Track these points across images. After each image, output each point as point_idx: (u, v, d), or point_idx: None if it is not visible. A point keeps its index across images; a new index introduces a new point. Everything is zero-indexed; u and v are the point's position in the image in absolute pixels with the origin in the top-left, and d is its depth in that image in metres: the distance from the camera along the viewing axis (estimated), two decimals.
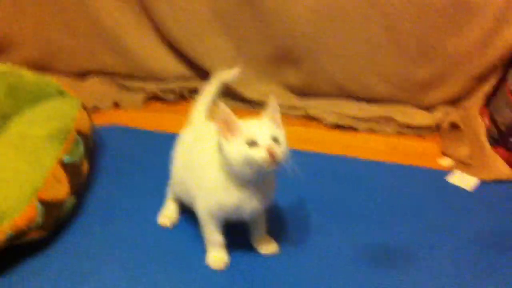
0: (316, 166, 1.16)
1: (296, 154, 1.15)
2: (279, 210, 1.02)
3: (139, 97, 1.42)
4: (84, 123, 1.10)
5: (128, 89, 1.44)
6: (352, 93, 1.41)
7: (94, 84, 1.41)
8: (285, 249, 0.93)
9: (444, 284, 0.87)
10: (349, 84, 1.39)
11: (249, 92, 1.42)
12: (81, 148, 1.04)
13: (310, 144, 1.27)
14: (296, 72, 1.41)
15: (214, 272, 0.89)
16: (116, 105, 1.39)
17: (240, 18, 1.35)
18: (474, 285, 0.87)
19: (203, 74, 1.44)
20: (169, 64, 1.44)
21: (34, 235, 0.89)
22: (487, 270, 0.90)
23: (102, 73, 1.45)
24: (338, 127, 1.36)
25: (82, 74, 1.42)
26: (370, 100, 1.40)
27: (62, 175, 0.96)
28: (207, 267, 0.89)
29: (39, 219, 0.89)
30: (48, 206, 0.91)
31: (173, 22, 1.37)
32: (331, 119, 1.36)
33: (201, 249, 0.91)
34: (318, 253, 0.93)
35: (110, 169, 1.13)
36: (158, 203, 1.02)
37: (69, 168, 0.98)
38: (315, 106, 1.40)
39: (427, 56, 1.31)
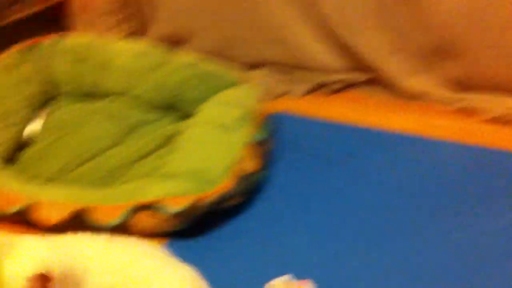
0: (479, 161, 1.19)
1: (454, 147, 1.23)
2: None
3: (303, 87, 1.51)
4: (266, 107, 1.22)
5: (293, 80, 1.54)
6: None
7: (263, 75, 1.52)
8: None
9: None
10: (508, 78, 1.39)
11: (408, 85, 1.46)
12: (265, 129, 1.17)
13: (469, 137, 1.28)
14: (454, 65, 1.43)
15: None
16: (284, 94, 1.50)
17: (399, 11, 1.40)
18: None
19: (364, 68, 1.50)
20: (332, 57, 1.52)
21: (232, 202, 1.03)
22: None
23: (270, 64, 1.55)
24: (497, 121, 1.36)
25: (253, 66, 1.53)
26: None
27: (252, 151, 1.09)
28: None
29: (236, 187, 1.02)
30: (244, 177, 1.04)
31: (338, 16, 1.45)
32: (492, 112, 1.37)
33: None
34: None
35: (285, 152, 1.23)
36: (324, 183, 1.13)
37: (258, 147, 1.11)
38: (475, 99, 1.41)
39: None
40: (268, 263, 0.93)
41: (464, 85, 1.45)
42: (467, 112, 1.40)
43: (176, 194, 0.97)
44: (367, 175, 1.17)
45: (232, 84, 1.27)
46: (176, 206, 0.95)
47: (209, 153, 1.06)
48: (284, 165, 1.19)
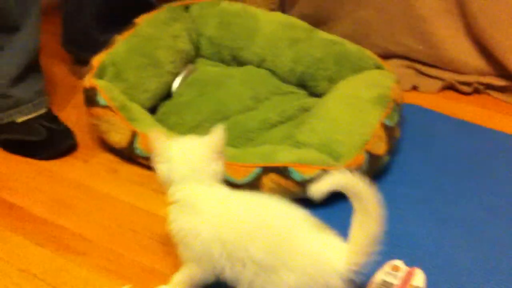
0: None
1: None
2: None
3: (436, 84, 1.48)
4: (399, 95, 1.22)
5: (426, 75, 1.52)
6: None
7: (395, 66, 1.50)
8: None
9: None
10: None
11: None
12: (396, 116, 1.17)
13: None
14: None
15: None
16: (414, 88, 1.49)
17: None
18: None
19: (502, 71, 1.45)
20: (470, 57, 1.48)
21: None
22: None
23: (403, 57, 1.54)
24: None
25: (386, 56, 1.51)
26: None
27: (383, 134, 1.10)
28: None
29: (364, 166, 1.04)
30: (372, 157, 1.06)
31: (483, 15, 1.41)
32: None
33: None
34: None
35: (410, 141, 1.23)
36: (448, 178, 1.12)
37: (388, 131, 1.12)
38: None
39: None
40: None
41: None
42: None
43: (305, 162, 1.00)
44: (491, 177, 1.15)
45: (370, 67, 1.28)
46: (304, 173, 0.99)
47: (342, 128, 1.08)
48: (409, 155, 1.19)
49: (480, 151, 1.23)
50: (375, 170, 1.08)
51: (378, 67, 1.29)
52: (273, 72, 1.36)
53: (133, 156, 1.14)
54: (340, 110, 1.12)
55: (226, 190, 0.81)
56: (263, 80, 1.32)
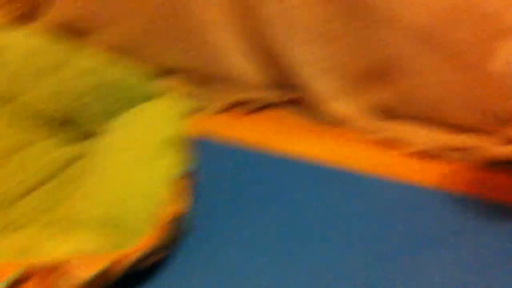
0: (397, 196, 1.11)
1: (374, 182, 1.15)
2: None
3: (219, 104, 1.36)
4: (188, 128, 1.01)
5: (209, 93, 1.39)
6: (441, 120, 1.35)
7: (175, 84, 1.35)
8: None
9: None
10: (439, 110, 1.33)
11: (333, 108, 1.37)
12: (190, 156, 0.96)
13: (390, 169, 1.20)
14: (389, 91, 1.36)
15: None
16: (198, 109, 1.34)
17: (337, 29, 1.30)
18: None
19: (287, 87, 1.39)
20: (254, 73, 1.39)
21: (157, 257, 0.80)
22: None
23: (184, 73, 1.39)
24: (420, 153, 1.29)
25: (164, 73, 1.35)
26: (457, 126, 1.35)
27: (180, 186, 0.88)
28: None
29: (166, 236, 0.81)
30: (173, 221, 0.83)
31: (271, 25, 1.32)
32: (414, 145, 1.30)
33: None
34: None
35: (207, 185, 1.04)
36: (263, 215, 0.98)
37: (185, 179, 0.90)
38: (398, 130, 1.34)
39: None
40: None
41: (390, 113, 1.38)
42: (390, 143, 1.32)
43: (83, 253, 0.71)
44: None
45: (149, 97, 1.03)
46: (84, 271, 0.69)
47: (128, 190, 0.81)
48: (207, 202, 1.00)
49: (271, 178, 1.13)
50: (178, 232, 0.86)
51: (159, 95, 1.04)
52: (24, 112, 1.00)
53: None
54: (121, 165, 0.86)
55: None
56: (8, 127, 0.96)
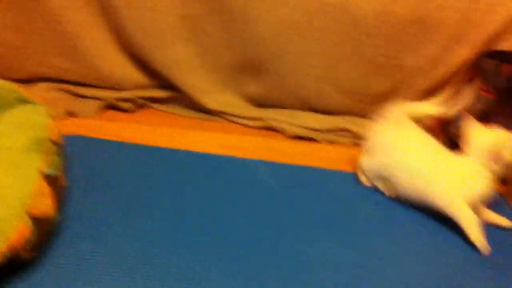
0: (281, 176, 1.16)
1: (261, 164, 1.19)
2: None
3: (95, 105, 1.33)
4: (56, 132, 1.00)
5: (82, 96, 1.35)
6: (311, 105, 1.43)
7: (44, 91, 1.30)
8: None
9: None
10: (308, 96, 1.42)
11: (209, 102, 1.40)
12: (58, 159, 0.95)
13: (272, 154, 1.26)
14: (257, 83, 1.41)
15: None
16: (71, 114, 1.29)
17: (208, 26, 1.33)
18: None
19: (162, 84, 1.39)
20: (127, 72, 1.37)
21: (27, 257, 0.81)
22: None
23: (53, 78, 1.34)
24: (298, 137, 1.37)
25: (31, 80, 1.31)
26: (328, 111, 1.44)
27: (46, 188, 0.87)
28: None
29: (32, 237, 0.80)
30: (39, 222, 0.82)
31: (136, 28, 1.30)
32: (291, 130, 1.37)
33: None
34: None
35: (81, 182, 1.04)
36: (140, 217, 0.97)
37: (52, 182, 0.89)
38: (275, 118, 1.41)
39: (383, 70, 1.37)
40: None
41: (265, 103, 1.45)
42: (269, 130, 1.39)
43: None
44: (165, 199, 1.04)
45: (11, 104, 1.01)
46: None
47: None
48: (84, 199, 1.00)
49: (165, 172, 1.12)
50: (46, 234, 0.86)
51: (24, 101, 1.03)
52: None
53: None
54: None
55: None
56: None
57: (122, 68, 1.36)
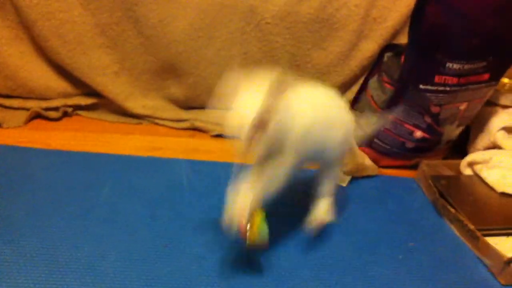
0: (208, 174, 1.21)
1: (187, 164, 1.24)
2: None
3: (22, 116, 1.37)
4: None
5: (8, 108, 1.39)
6: None
7: None
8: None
9: None
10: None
11: (134, 106, 1.45)
12: None
13: (199, 154, 1.32)
14: (179, 85, 1.46)
15: None
16: None
17: (123, 33, 1.38)
18: None
19: (88, 91, 1.43)
20: (51, 81, 1.41)
21: None
22: None
23: None
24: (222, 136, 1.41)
25: None
26: None
27: None
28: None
29: None
30: None
31: (55, 39, 1.35)
32: (215, 130, 1.43)
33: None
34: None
35: (1, 189, 1.09)
36: (62, 219, 1.02)
37: None
38: (200, 118, 1.46)
39: (297, 68, 1.44)
40: None
41: (185, 104, 1.50)
42: (195, 130, 1.44)
43: None
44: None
45: None
46: None
47: None
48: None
49: (82, 179, 1.15)
50: None
51: None
52: None
53: None
54: None
55: None
56: None
57: (46, 78, 1.41)
